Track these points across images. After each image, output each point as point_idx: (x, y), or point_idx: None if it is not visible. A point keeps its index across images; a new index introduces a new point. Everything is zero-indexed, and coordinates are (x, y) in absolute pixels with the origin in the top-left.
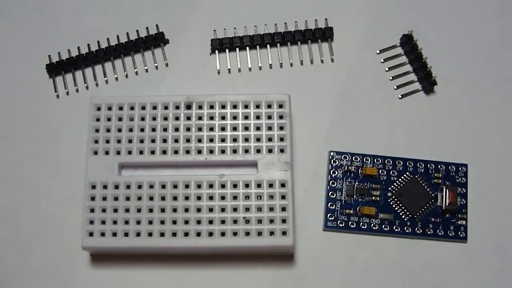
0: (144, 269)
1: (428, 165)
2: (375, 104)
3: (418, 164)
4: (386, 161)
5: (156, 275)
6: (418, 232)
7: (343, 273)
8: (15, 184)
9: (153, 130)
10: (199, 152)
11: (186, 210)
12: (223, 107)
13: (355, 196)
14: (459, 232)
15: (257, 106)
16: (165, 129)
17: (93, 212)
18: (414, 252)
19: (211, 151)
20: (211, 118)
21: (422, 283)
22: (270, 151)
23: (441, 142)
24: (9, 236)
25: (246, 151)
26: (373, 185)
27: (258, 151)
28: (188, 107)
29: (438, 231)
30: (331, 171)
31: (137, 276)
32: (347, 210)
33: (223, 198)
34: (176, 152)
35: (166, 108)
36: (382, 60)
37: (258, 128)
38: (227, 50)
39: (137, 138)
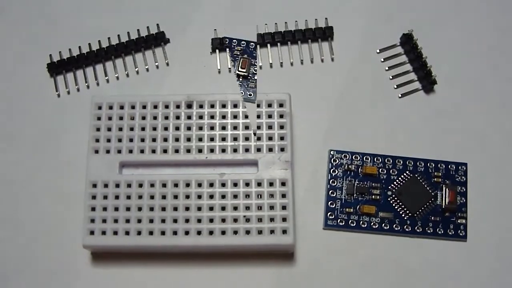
0: (144, 267)
1: (428, 164)
2: (375, 103)
3: (418, 163)
4: (386, 160)
5: (156, 273)
6: (418, 230)
7: (343, 271)
8: (15, 184)
9: (154, 129)
10: (200, 151)
11: (187, 208)
12: (224, 106)
13: (355, 195)
14: (459, 231)
15: (258, 105)
16: (166, 128)
17: (94, 210)
18: (414, 250)
19: (212, 150)
20: (212, 117)
21: (422, 281)
22: (270, 150)
23: (441, 141)
24: (9, 235)
25: (247, 150)
26: (373, 184)
27: (259, 150)
28: (189, 106)
29: (438, 229)
30: (331, 170)
31: (138, 274)
32: (347, 209)
33: (223, 196)
34: (176, 151)
35: (167, 107)
36: (382, 60)
37: (258, 127)
38: (227, 49)
39: (138, 137)
